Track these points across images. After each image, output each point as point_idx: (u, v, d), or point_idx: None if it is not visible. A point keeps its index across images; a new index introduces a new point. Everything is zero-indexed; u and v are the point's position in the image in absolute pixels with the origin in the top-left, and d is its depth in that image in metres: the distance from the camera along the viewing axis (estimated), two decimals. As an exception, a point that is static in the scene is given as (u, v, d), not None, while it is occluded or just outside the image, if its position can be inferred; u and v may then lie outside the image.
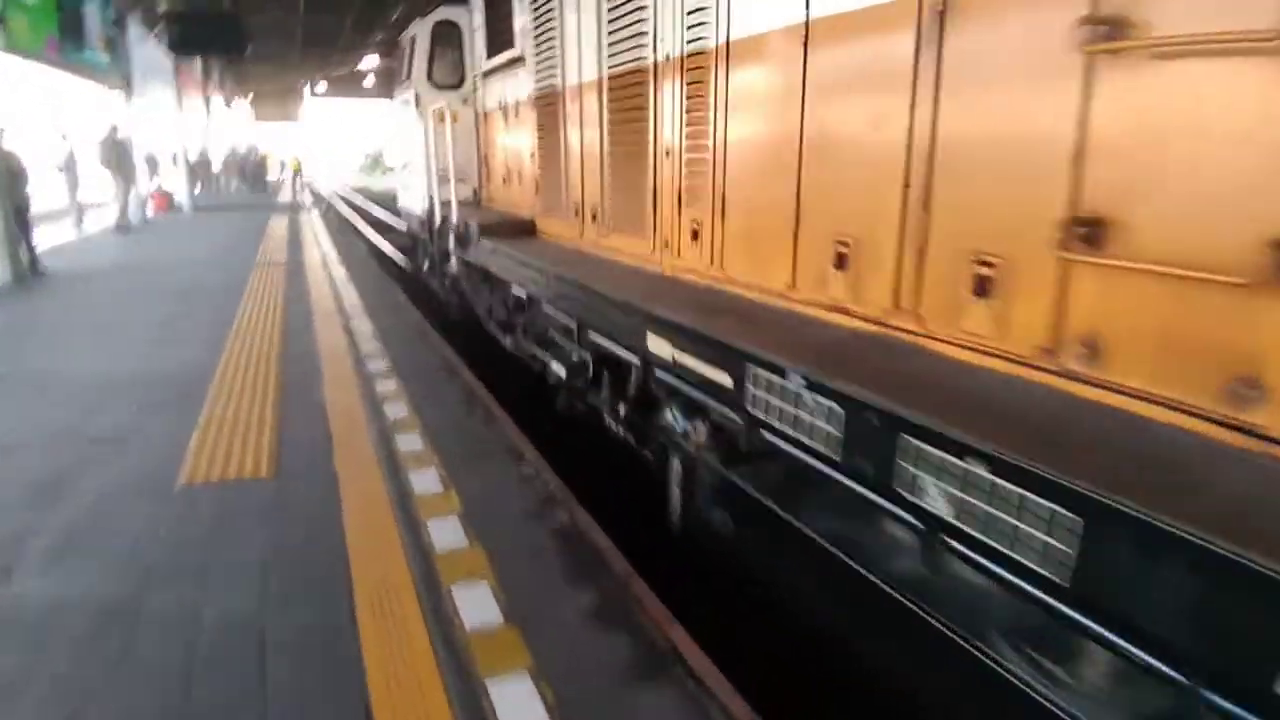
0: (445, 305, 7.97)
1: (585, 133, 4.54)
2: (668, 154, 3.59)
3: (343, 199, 33.07)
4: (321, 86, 46.92)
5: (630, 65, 3.82)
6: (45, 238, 12.26)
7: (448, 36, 7.37)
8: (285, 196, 25.84)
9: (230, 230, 13.79)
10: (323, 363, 4.91)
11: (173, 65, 18.33)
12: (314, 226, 14.65)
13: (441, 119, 6.11)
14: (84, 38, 11.01)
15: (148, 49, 15.41)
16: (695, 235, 3.42)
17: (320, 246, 11.25)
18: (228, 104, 35.99)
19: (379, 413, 3.97)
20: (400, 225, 14.43)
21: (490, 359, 6.09)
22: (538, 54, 5.09)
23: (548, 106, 5.05)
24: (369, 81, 46.40)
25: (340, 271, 8.81)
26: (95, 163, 13.45)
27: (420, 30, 7.46)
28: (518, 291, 5.18)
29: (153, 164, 23.20)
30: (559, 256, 4.63)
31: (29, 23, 9.78)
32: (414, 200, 8.22)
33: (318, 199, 25.90)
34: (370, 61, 42.16)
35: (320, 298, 7.17)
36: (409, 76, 7.66)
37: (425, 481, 3.12)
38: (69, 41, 10.40)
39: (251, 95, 47.53)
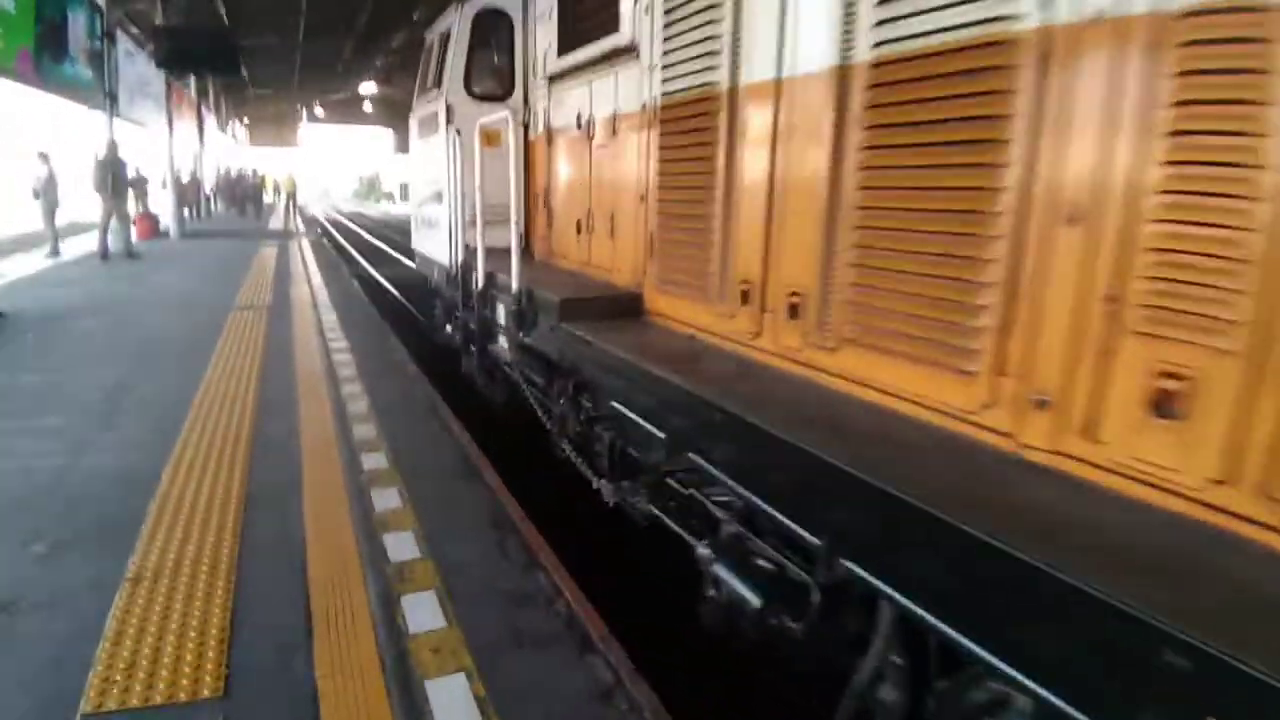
0: (486, 400, 5.90)
1: (784, 163, 2.72)
2: (1071, 220, 1.76)
3: (337, 225, 32.16)
4: (319, 112, 46.31)
5: (956, 35, 1.98)
6: (15, 267, 11.21)
7: (493, 31, 5.72)
8: (277, 222, 24.85)
9: (215, 260, 12.75)
10: (304, 464, 3.84)
11: (164, 85, 17.41)
12: (305, 256, 13.64)
13: (492, 140, 4.61)
14: (65, 50, 10.05)
15: (138, 66, 14.50)
16: (1164, 403, 1.59)
17: (310, 282, 10.23)
18: (223, 128, 35.20)
19: (379, 554, 2.92)
20: (404, 261, 13.43)
21: (526, 449, 5.04)
22: (675, 37, 3.32)
23: (691, 119, 3.25)
24: (367, 107, 45.86)
25: (331, 316, 7.77)
26: (90, 185, 12.48)
27: (457, 23, 5.73)
28: (632, 415, 3.09)
29: (140, 186, 22.29)
30: (747, 385, 2.62)
31: (1, 32, 8.83)
32: (435, 245, 6.38)
33: (311, 225, 24.92)
34: (368, 88, 41.65)
35: (306, 354, 6.12)
36: (437, 84, 5.95)
37: (453, 704, 2.07)
38: (47, 55, 9.44)
39: (248, 120, 46.86)
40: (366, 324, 7.65)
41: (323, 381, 5.35)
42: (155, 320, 7.29)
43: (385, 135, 50.84)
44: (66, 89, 10.48)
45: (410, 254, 8.83)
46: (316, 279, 10.84)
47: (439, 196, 6.05)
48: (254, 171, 35.68)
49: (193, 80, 22.45)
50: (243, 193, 30.02)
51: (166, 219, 18.07)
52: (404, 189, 59.69)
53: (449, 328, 6.72)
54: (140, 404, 4.76)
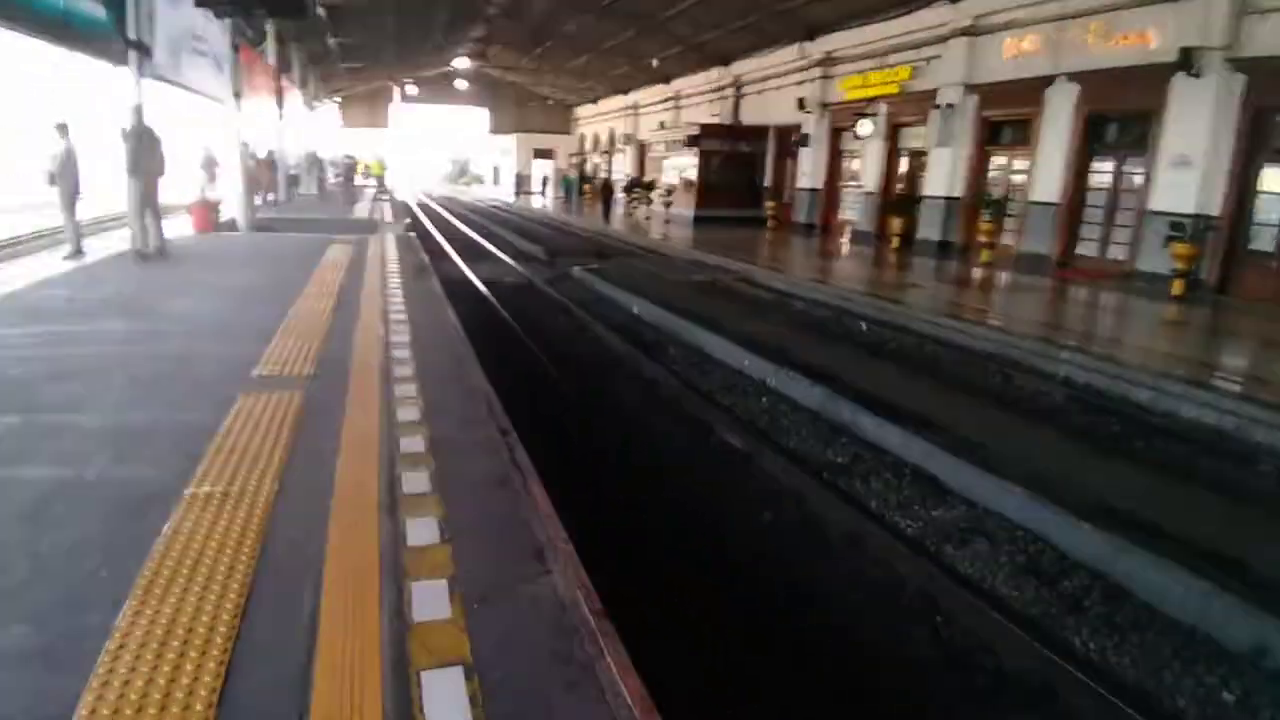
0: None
1: None
2: None
3: (427, 210, 29.18)
4: (412, 90, 43.87)
5: None
6: (11, 274, 8.22)
7: None
8: (362, 210, 21.95)
9: (267, 268, 9.54)
10: None
11: (230, 45, 14.43)
12: (386, 259, 10.29)
13: None
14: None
15: (189, 15, 11.45)
16: None
17: (386, 312, 6.77)
18: (310, 105, 32.79)
19: None
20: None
21: None
22: None
23: None
24: (460, 84, 43.09)
25: (411, 415, 4.22)
26: (122, 165, 9.50)
27: None
28: None
29: (210, 167, 19.64)
30: None
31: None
32: None
33: (399, 215, 21.89)
34: (463, 63, 38.75)
35: (352, 533, 2.55)
36: None
37: None
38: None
39: (340, 99, 44.78)
40: (476, 430, 4.03)
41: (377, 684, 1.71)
42: (89, 429, 3.79)
43: (481, 117, 48.07)
44: (50, 31, 7.21)
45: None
46: (397, 303, 7.40)
47: None
48: (346, 155, 33.44)
49: (271, 45, 19.63)
50: (320, 176, 27.53)
51: (233, 208, 15.26)
52: (495, 172, 57.02)
53: None
54: None
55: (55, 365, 4.83)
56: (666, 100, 30.27)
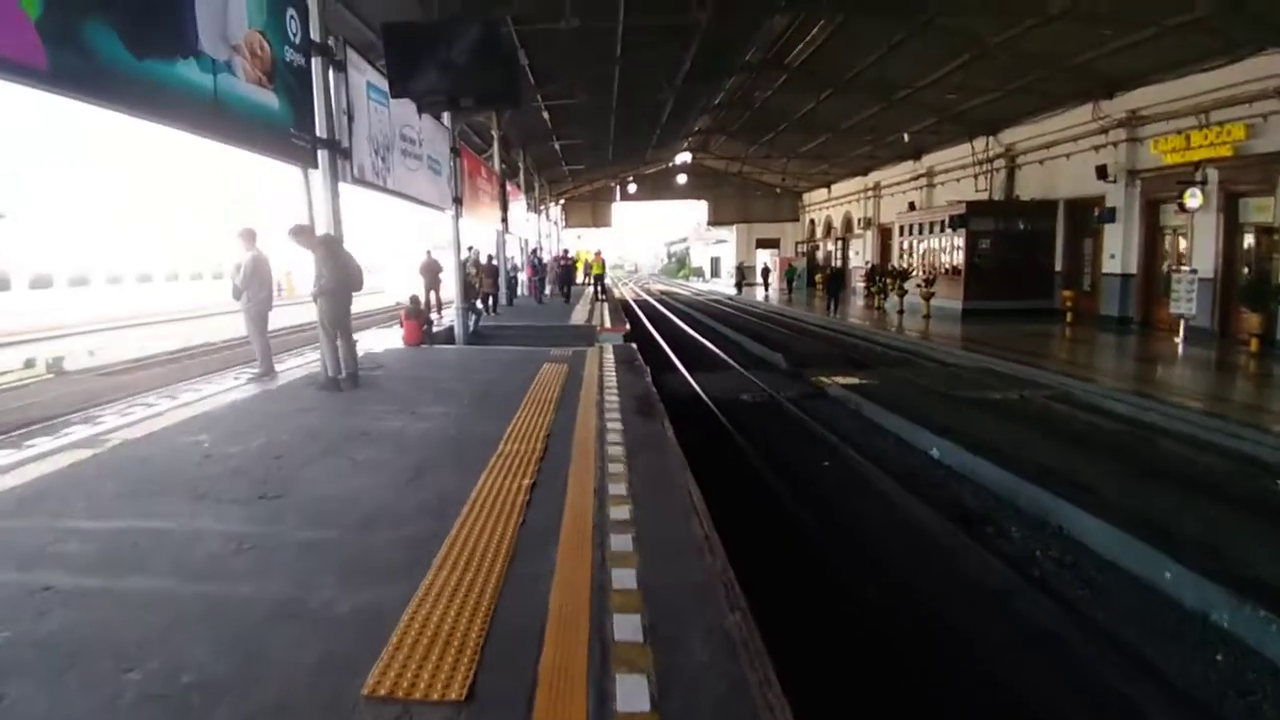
0: None
1: None
2: None
3: (648, 311, 27.69)
4: (631, 188, 43.90)
5: None
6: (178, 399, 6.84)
7: None
8: (580, 314, 20.58)
9: (463, 405, 7.52)
10: None
11: (450, 149, 13.54)
12: (603, 389, 7.92)
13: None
14: (179, 39, 5.29)
15: (397, 114, 10.33)
16: None
17: (604, 509, 4.23)
18: (535, 209, 33.14)
19: None
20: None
21: None
22: None
23: None
24: (681, 179, 42.53)
25: None
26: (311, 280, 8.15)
27: None
28: None
29: (431, 272, 19.14)
30: None
31: None
32: None
33: (617, 315, 20.23)
34: (684, 157, 38.03)
35: None
36: None
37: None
38: (120, 36, 4.63)
39: (563, 200, 45.94)
40: None
41: None
42: None
43: (698, 207, 47.30)
44: (200, 122, 5.61)
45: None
46: (618, 474, 4.86)
47: None
48: (565, 252, 33.34)
49: (496, 150, 19.14)
50: (541, 278, 27.14)
51: (450, 316, 14.15)
52: (714, 263, 55.94)
53: None
54: None
55: (63, 639, 2.68)
56: (917, 178, 27.17)
